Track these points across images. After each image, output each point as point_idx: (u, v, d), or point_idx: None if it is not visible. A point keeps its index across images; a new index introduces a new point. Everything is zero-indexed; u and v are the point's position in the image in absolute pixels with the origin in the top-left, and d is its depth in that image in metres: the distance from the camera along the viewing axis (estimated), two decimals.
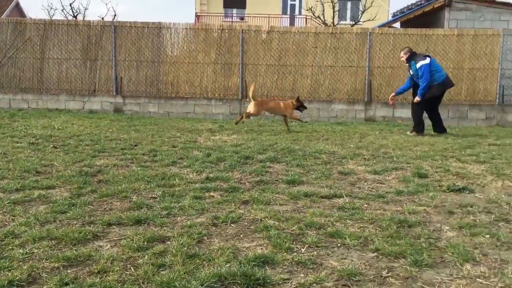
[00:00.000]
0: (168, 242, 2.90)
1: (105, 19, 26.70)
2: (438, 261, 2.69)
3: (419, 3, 15.93)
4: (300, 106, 9.77)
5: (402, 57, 9.30)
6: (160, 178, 4.63)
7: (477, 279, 2.44)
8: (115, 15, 37.22)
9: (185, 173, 4.96)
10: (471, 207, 3.82)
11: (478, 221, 3.46)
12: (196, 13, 32.45)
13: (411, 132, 9.26)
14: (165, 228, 3.17)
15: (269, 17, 29.88)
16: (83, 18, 26.71)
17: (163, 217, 3.39)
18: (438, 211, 3.73)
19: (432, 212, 3.70)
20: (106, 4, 64.68)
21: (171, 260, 2.60)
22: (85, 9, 42.77)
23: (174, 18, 69.38)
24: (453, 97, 12.57)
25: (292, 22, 31.94)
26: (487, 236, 3.10)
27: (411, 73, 9.17)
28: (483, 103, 12.83)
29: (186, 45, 13.26)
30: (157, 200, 3.89)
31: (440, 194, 4.25)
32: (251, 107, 9.42)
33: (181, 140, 7.55)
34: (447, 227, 3.30)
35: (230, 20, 31.61)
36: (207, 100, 12.99)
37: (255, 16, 30.05)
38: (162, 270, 2.48)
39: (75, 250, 2.74)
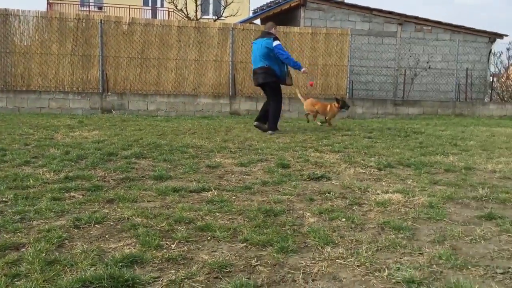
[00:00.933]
0: (23, 249, 2.64)
1: None
2: (302, 246, 2.84)
3: (277, 1, 16.68)
4: None
5: None
6: (11, 180, 4.20)
7: (337, 260, 2.63)
8: None
9: (41, 173, 4.56)
10: (328, 193, 4.11)
11: (335, 206, 3.73)
12: (48, 0, 30.06)
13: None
14: (19, 234, 2.88)
15: (129, 8, 28.90)
16: None
17: (16, 222, 3.07)
18: (300, 199, 3.95)
19: (295, 200, 3.90)
20: None
21: (27, 268, 2.36)
22: None
23: (22, 5, 63.19)
24: (309, 91, 13.44)
25: (154, 15, 31.28)
26: (343, 219, 3.36)
27: None
28: (333, 96, 13.90)
29: (38, 35, 12.21)
30: (9, 204, 3.51)
31: (301, 183, 4.51)
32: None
33: (35, 137, 6.94)
34: (309, 214, 3.51)
35: (87, 9, 29.88)
36: (64, 94, 12.12)
37: (114, 7, 28.81)
38: (17, 280, 2.25)
39: None
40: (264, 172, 4.98)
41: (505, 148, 7.20)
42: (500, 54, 16.39)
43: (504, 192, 4.25)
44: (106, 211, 3.42)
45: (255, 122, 8.65)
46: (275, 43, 8.27)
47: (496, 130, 10.05)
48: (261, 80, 8.41)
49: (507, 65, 16.40)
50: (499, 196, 4.06)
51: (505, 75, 16.34)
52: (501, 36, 16.30)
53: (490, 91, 16.39)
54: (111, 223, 3.16)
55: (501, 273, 2.48)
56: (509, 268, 2.55)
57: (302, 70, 8.62)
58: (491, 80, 16.66)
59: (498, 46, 16.53)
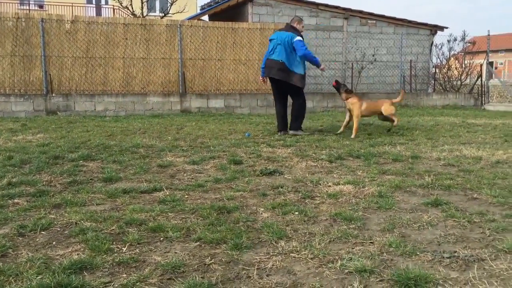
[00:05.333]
0: None
1: None
2: (256, 241, 2.84)
3: None
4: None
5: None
6: None
7: (291, 254, 2.64)
8: None
9: None
10: (281, 188, 4.14)
11: (288, 200, 3.76)
12: None
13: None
14: None
15: (72, 5, 27.96)
16: None
17: None
18: (253, 194, 3.95)
19: (248, 196, 3.90)
20: None
21: None
22: None
23: None
24: (260, 86, 13.45)
25: (98, 12, 30.43)
26: (296, 213, 3.39)
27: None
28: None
29: None
30: None
31: (254, 179, 4.51)
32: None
33: None
34: (262, 209, 3.51)
35: (27, 8, 28.67)
36: (5, 97, 11.57)
37: (56, 5, 27.77)
38: None
39: None
40: (217, 169, 4.95)
41: (448, 136, 7.50)
42: (442, 46, 17.06)
43: (448, 178, 4.43)
44: (52, 216, 3.29)
45: (281, 133, 7.76)
46: (296, 38, 7.60)
47: (439, 119, 10.45)
48: (277, 76, 7.70)
49: (448, 56, 17.07)
50: (444, 183, 4.23)
51: (446, 66, 16.99)
52: (442, 28, 16.92)
53: (433, 81, 16.99)
54: (58, 229, 3.05)
55: (448, 257, 2.57)
56: (455, 252, 2.65)
57: (321, 67, 8.05)
58: (434, 71, 17.29)
59: (440, 38, 17.19)
